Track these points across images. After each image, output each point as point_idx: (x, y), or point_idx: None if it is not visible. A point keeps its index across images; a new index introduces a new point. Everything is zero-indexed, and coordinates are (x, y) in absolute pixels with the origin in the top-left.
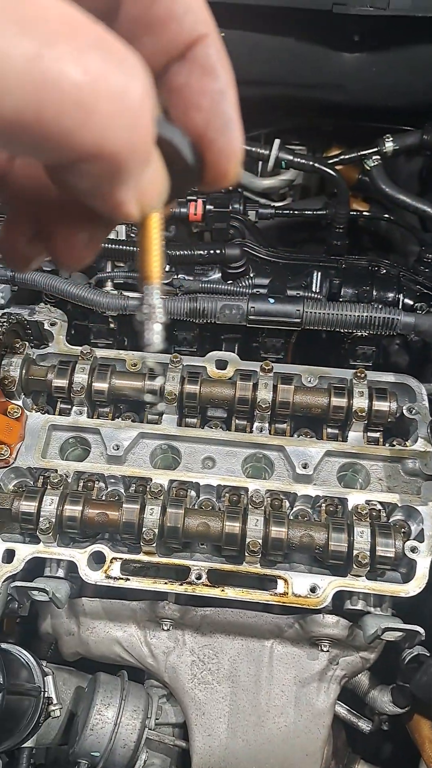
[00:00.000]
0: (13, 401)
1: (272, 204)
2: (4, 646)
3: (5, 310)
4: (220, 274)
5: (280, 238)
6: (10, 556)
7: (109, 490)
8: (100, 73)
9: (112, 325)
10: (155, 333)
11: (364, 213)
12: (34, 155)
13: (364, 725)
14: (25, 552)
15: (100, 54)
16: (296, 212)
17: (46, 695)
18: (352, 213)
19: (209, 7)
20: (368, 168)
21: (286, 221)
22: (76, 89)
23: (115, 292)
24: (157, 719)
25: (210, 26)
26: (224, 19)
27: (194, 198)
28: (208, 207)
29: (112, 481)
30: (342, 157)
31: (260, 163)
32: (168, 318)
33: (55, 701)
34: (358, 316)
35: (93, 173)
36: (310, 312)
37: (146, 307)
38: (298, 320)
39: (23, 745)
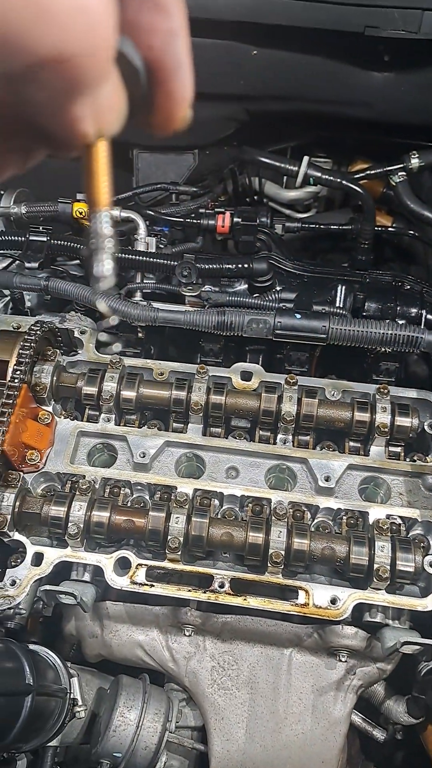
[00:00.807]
0: (43, 407)
1: (297, 216)
2: (32, 647)
3: (38, 318)
4: (246, 286)
5: (303, 248)
6: (38, 559)
7: (134, 496)
8: None
9: (140, 335)
10: (105, 265)
11: (389, 228)
12: None
13: (379, 734)
14: (53, 556)
15: None
16: (322, 226)
17: (71, 697)
18: (377, 228)
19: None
20: (394, 183)
21: (311, 232)
22: None
23: (144, 302)
24: (177, 722)
25: None
26: (257, 38)
27: (222, 210)
28: (235, 220)
29: (138, 488)
30: (368, 172)
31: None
32: (115, 257)
33: (80, 703)
34: (383, 333)
35: (50, 82)
36: (336, 328)
37: (94, 237)
38: (324, 336)
39: (48, 744)
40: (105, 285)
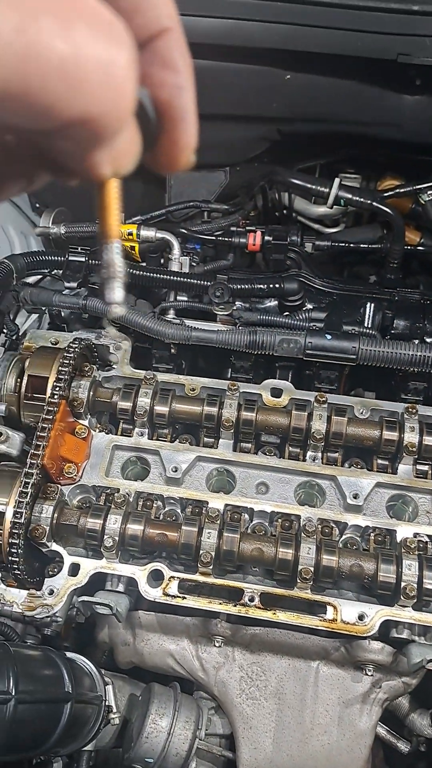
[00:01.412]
0: (80, 421)
1: (327, 231)
2: (69, 655)
3: (75, 335)
4: (276, 302)
5: (330, 261)
6: (75, 569)
7: (166, 509)
8: (86, 43)
9: (173, 351)
10: (116, 291)
11: (419, 248)
12: (21, 123)
13: (403, 746)
14: (89, 567)
15: (86, 24)
16: (351, 245)
17: (106, 704)
18: (406, 248)
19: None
20: (423, 202)
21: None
22: (60, 60)
23: (178, 320)
24: (206, 730)
25: (174, 21)
26: (290, 64)
27: (253, 229)
28: (266, 238)
29: (170, 501)
30: (398, 190)
31: None
32: (126, 279)
33: (114, 710)
34: (412, 354)
35: (76, 137)
36: (366, 349)
37: (106, 266)
38: (354, 356)
39: (83, 749)
40: (118, 311)
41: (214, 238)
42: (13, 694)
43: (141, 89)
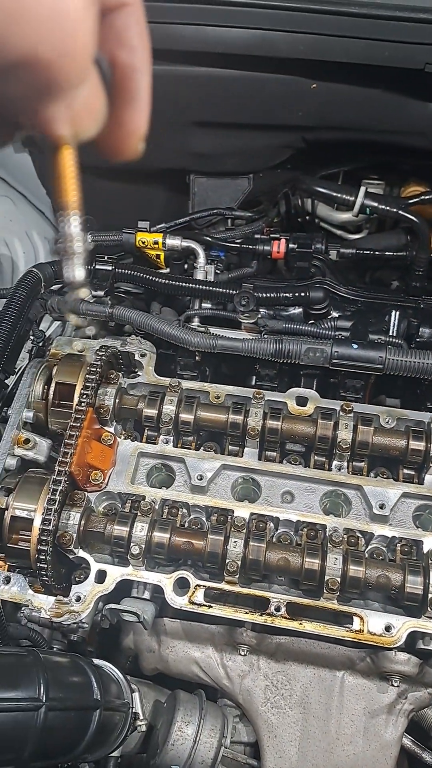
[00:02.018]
0: (106, 428)
1: (350, 237)
2: (97, 662)
3: (101, 342)
4: (300, 309)
5: (353, 267)
6: (101, 576)
7: (191, 517)
8: None
9: (197, 358)
10: (77, 270)
11: None
12: None
13: (428, 757)
14: (116, 574)
15: None
16: (376, 253)
17: (133, 711)
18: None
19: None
20: None
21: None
22: None
23: (203, 328)
24: (231, 738)
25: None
26: (316, 73)
27: (278, 237)
28: (291, 246)
29: (196, 509)
30: (423, 197)
31: None
32: (89, 253)
33: (141, 717)
34: None
35: (26, 80)
36: (392, 359)
37: (62, 239)
38: (380, 366)
39: (111, 755)
40: (80, 292)
41: (238, 245)
42: (44, 701)
43: (103, 58)
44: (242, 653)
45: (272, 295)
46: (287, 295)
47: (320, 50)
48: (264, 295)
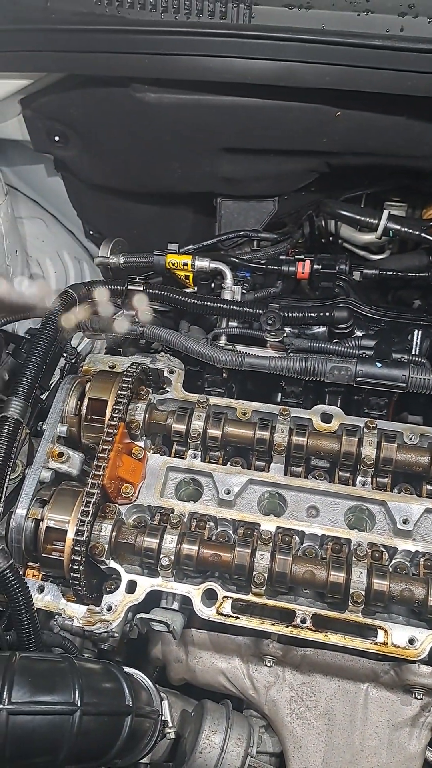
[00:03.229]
0: (136, 443)
1: (373, 258)
2: (127, 670)
3: (132, 359)
4: (324, 328)
5: (376, 287)
6: (132, 587)
7: (219, 530)
8: None
9: (224, 375)
10: None
11: None
12: None
13: None
14: (146, 584)
15: None
16: (399, 274)
17: (162, 718)
18: None
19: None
20: None
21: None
22: None
23: (230, 346)
24: (257, 748)
25: None
26: (341, 102)
27: (302, 258)
28: (315, 267)
29: (224, 523)
30: None
31: None
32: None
33: (170, 724)
34: None
35: None
36: (416, 378)
37: None
38: (404, 384)
39: (140, 761)
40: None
41: (264, 266)
42: (79, 705)
43: None
44: (268, 664)
45: (298, 314)
46: (312, 314)
47: (345, 80)
48: (290, 314)
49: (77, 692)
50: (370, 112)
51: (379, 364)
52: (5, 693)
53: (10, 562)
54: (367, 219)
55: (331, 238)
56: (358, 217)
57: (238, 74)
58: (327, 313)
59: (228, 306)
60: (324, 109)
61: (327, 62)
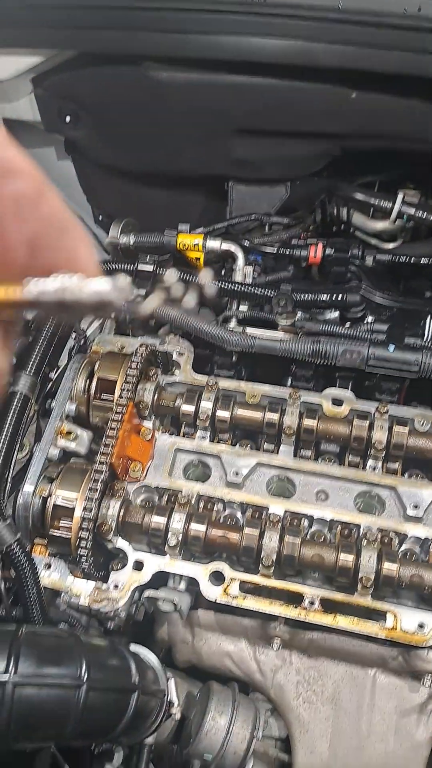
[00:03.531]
0: (144, 424)
1: (386, 247)
2: (133, 648)
3: (141, 340)
4: (337, 314)
5: (388, 274)
6: (139, 566)
7: (226, 512)
8: None
9: (234, 358)
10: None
11: None
12: None
13: None
14: (153, 564)
15: None
16: (412, 260)
17: (168, 698)
18: None
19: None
20: None
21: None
22: None
23: (240, 328)
24: (263, 731)
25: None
26: (357, 82)
27: (315, 241)
28: (327, 251)
29: (231, 505)
30: None
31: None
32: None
33: (175, 704)
34: None
35: None
36: (429, 363)
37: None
38: (417, 368)
39: (145, 741)
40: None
41: (275, 250)
42: (85, 680)
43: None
44: (275, 647)
45: (310, 297)
46: (324, 297)
47: (361, 60)
48: (302, 297)
49: (83, 667)
50: (385, 94)
51: (391, 348)
52: (11, 665)
53: (18, 536)
54: (381, 202)
55: (342, 226)
56: (372, 201)
57: (251, 53)
58: (339, 296)
59: (241, 288)
60: (339, 90)
61: (343, 41)
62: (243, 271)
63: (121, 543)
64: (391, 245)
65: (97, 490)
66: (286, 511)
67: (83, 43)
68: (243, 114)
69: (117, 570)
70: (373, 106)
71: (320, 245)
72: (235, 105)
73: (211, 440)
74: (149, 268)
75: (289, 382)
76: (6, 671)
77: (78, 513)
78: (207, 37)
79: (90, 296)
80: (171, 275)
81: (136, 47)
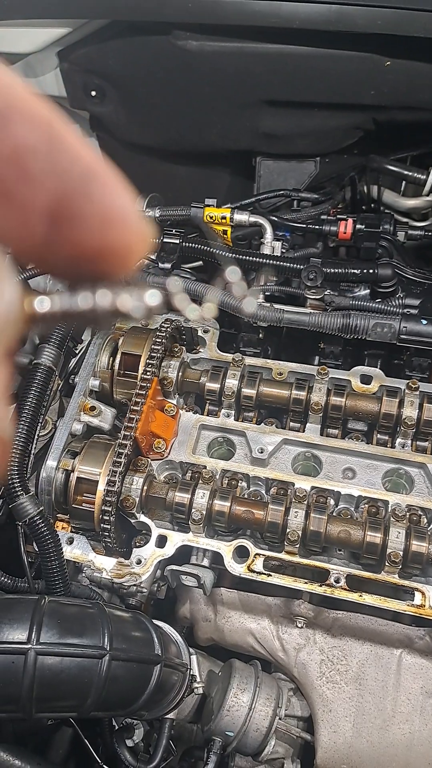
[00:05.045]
0: (168, 400)
1: (418, 224)
2: (156, 622)
3: (166, 316)
4: (367, 291)
5: (418, 254)
6: (162, 541)
7: (251, 489)
8: None
9: (260, 336)
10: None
11: None
12: None
13: None
14: (177, 539)
15: None
16: None
17: (191, 673)
18: None
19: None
20: None
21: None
22: None
23: (267, 304)
24: (285, 710)
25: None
26: (391, 49)
27: (345, 217)
28: (358, 226)
29: (256, 482)
30: None
31: (404, 183)
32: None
33: (198, 679)
34: None
35: None
36: None
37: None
38: None
39: (166, 717)
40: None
41: (305, 225)
42: (108, 650)
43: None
44: (299, 626)
45: (340, 270)
46: (355, 271)
47: (398, 25)
48: (332, 270)
49: (107, 637)
50: (421, 62)
51: (424, 321)
52: (34, 634)
53: (41, 509)
54: (415, 174)
55: (372, 204)
56: (406, 173)
57: (284, 19)
58: (371, 270)
59: (269, 261)
60: (373, 58)
61: (379, 5)
62: (271, 245)
63: (144, 518)
64: (422, 224)
65: (121, 464)
66: (312, 488)
67: (112, 12)
68: (272, 84)
69: (140, 546)
70: (407, 75)
71: (350, 221)
72: (264, 75)
73: (236, 418)
74: (175, 240)
75: (316, 361)
76: (29, 640)
77: (101, 487)
78: (239, 2)
79: (120, 309)
80: (234, 273)
81: (167, 14)
